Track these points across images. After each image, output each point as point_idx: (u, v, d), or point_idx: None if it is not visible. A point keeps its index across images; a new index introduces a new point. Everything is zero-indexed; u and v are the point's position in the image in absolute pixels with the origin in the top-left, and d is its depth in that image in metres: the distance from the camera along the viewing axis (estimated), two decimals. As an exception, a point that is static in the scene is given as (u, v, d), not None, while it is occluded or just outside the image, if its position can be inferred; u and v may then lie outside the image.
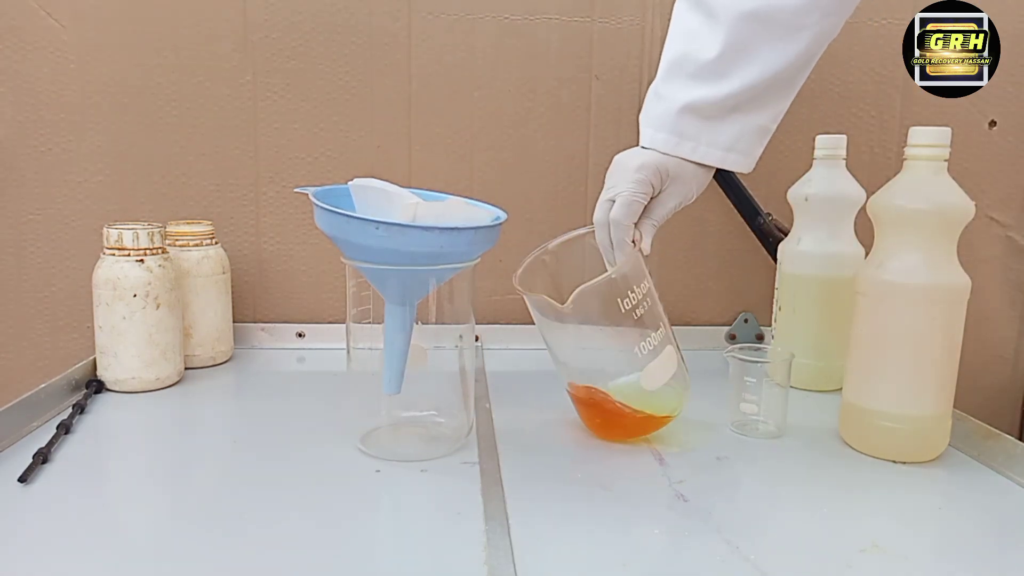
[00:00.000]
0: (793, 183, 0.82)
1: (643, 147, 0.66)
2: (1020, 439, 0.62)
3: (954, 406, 0.64)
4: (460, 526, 0.51)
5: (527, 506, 0.54)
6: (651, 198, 0.65)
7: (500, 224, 0.59)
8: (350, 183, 0.61)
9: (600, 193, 0.66)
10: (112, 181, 0.93)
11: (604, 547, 0.49)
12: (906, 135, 0.62)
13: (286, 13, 0.92)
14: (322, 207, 0.56)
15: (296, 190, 0.73)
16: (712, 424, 0.71)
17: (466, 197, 0.61)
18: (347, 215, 0.55)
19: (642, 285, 0.63)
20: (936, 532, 0.54)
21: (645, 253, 0.64)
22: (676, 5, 0.67)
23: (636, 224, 0.64)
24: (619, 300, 0.61)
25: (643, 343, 0.62)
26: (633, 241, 0.63)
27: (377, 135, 0.95)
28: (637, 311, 0.62)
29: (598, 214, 0.65)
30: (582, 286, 0.60)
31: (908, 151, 0.62)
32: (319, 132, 0.95)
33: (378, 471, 0.59)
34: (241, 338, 0.95)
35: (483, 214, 0.60)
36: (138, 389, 0.77)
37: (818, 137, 0.81)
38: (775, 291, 0.85)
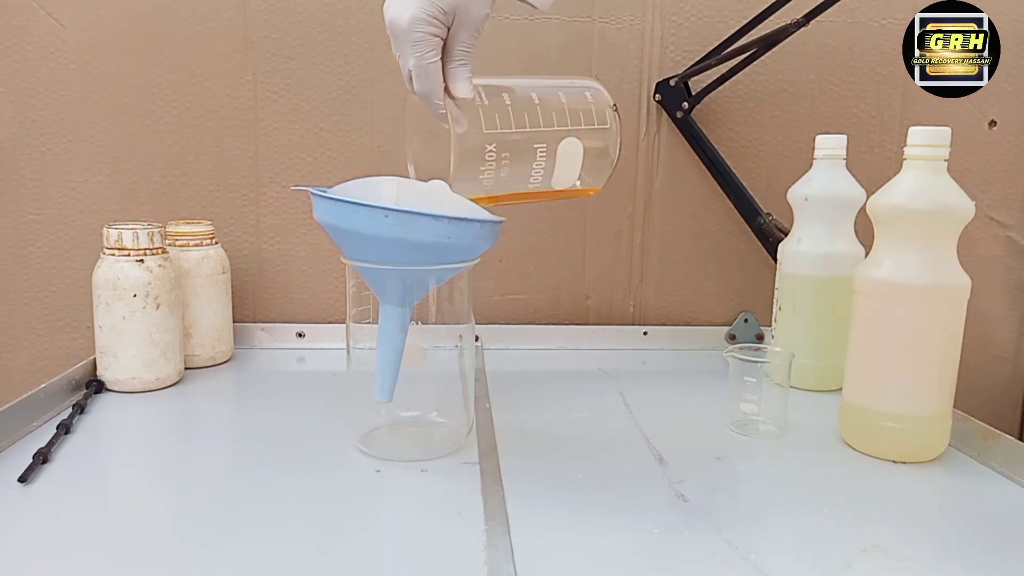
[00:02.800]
0: (793, 183, 0.82)
1: None
2: (1020, 439, 0.62)
3: (954, 406, 0.64)
4: (460, 526, 0.51)
5: (527, 506, 0.54)
6: (444, 40, 0.58)
7: (501, 223, 0.59)
8: (313, 191, 0.58)
9: None
10: (112, 181, 0.93)
11: (604, 547, 0.49)
12: (906, 135, 0.62)
13: (286, 13, 0.92)
14: (328, 197, 0.55)
15: (293, 187, 0.73)
16: (712, 424, 0.71)
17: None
18: (355, 203, 0.54)
19: (489, 148, 0.59)
20: (936, 532, 0.54)
21: (465, 95, 0.58)
22: None
23: (444, 76, 0.58)
24: (480, 177, 0.60)
25: (533, 173, 0.62)
26: (452, 97, 0.58)
27: (377, 135, 0.95)
28: (501, 173, 0.60)
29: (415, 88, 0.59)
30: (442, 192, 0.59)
31: (908, 151, 0.62)
32: (319, 132, 0.95)
33: (378, 471, 0.59)
34: (241, 338, 0.95)
35: (468, 203, 0.59)
36: (138, 389, 0.77)
37: (818, 137, 0.81)
38: (775, 291, 0.85)
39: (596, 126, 0.64)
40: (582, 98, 0.65)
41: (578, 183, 0.65)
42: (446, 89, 0.59)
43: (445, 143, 0.61)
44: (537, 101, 0.62)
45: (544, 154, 0.62)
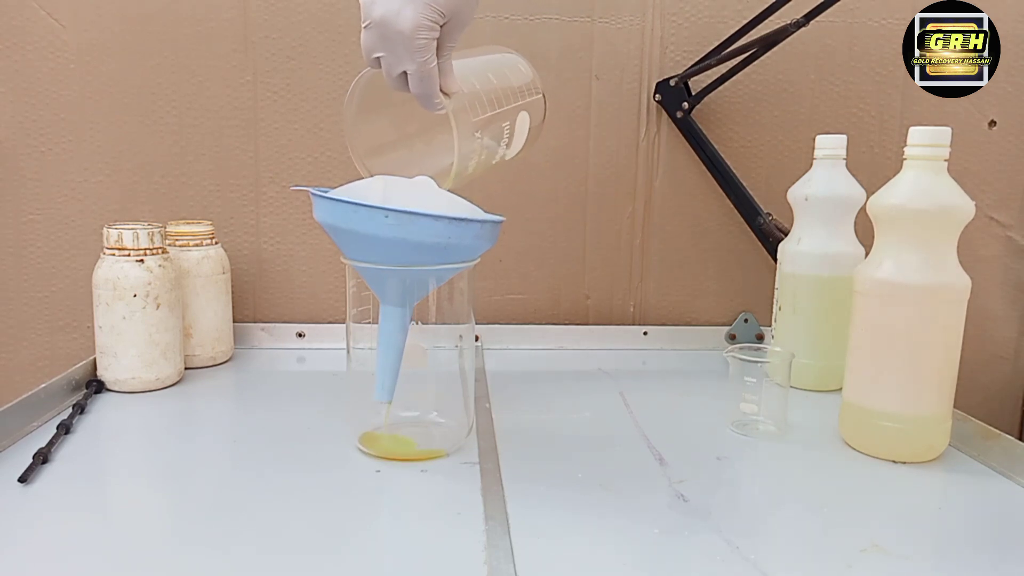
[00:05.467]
0: (793, 183, 0.82)
1: None
2: (1020, 439, 0.62)
3: (954, 406, 0.64)
4: (460, 526, 0.51)
5: (527, 506, 0.54)
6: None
7: (501, 222, 0.59)
8: (313, 191, 0.58)
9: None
10: (112, 181, 0.93)
11: (604, 547, 0.49)
12: (906, 135, 0.62)
13: (286, 13, 0.92)
14: (328, 198, 0.55)
15: (293, 187, 0.73)
16: (712, 424, 0.71)
17: (463, 197, 0.61)
18: (355, 203, 0.54)
19: (477, 135, 0.61)
20: (936, 532, 0.54)
21: (457, 89, 0.59)
22: None
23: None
24: (469, 163, 0.62)
25: (499, 150, 0.66)
26: (444, 93, 0.59)
27: (377, 135, 0.95)
28: (484, 152, 0.63)
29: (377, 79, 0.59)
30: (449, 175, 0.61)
31: (908, 151, 0.62)
32: (319, 132, 0.95)
33: (378, 471, 0.59)
34: (241, 338, 0.95)
35: (456, 198, 0.59)
36: (138, 389, 0.77)
37: (818, 137, 0.81)
38: (775, 291, 0.85)
39: (534, 97, 0.69)
40: (518, 71, 0.69)
41: (520, 151, 0.70)
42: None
43: (406, 139, 0.65)
44: (495, 82, 0.65)
45: (508, 130, 0.65)
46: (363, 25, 0.57)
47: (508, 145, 0.66)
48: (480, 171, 0.65)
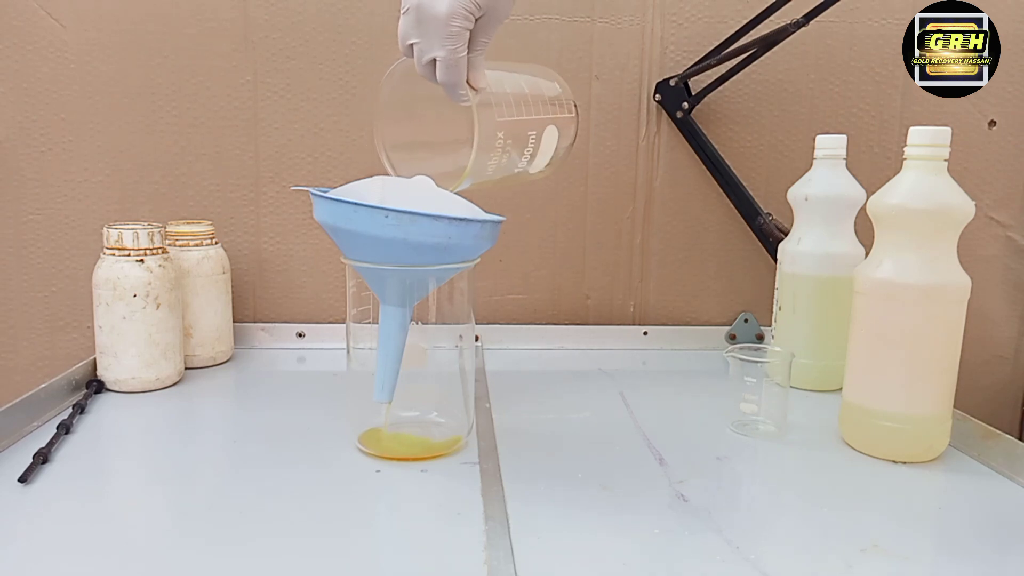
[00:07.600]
0: (793, 183, 0.82)
1: None
2: (1020, 439, 0.62)
3: (954, 406, 0.64)
4: (460, 526, 0.51)
5: (527, 506, 0.54)
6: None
7: (501, 222, 0.59)
8: (313, 191, 0.58)
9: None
10: (112, 181, 0.93)
11: (604, 547, 0.49)
12: (906, 135, 0.62)
13: (286, 13, 0.92)
14: (328, 198, 0.55)
15: (293, 188, 0.73)
16: (712, 424, 0.71)
17: (464, 197, 0.61)
18: (355, 203, 0.54)
19: (499, 136, 0.61)
20: (936, 532, 0.54)
21: (485, 85, 0.60)
22: None
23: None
24: (487, 163, 0.62)
25: (521, 159, 0.65)
26: (471, 86, 0.59)
27: (377, 135, 0.95)
28: (505, 156, 0.63)
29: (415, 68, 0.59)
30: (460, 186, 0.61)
31: (908, 151, 0.62)
32: (319, 132, 0.95)
33: (378, 471, 0.59)
34: (241, 338, 0.95)
35: (455, 197, 0.59)
36: (138, 389, 0.77)
37: (818, 137, 0.81)
38: (775, 291, 0.85)
39: (566, 115, 0.69)
40: (554, 87, 0.69)
41: (546, 169, 0.70)
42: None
43: (430, 134, 0.65)
44: (527, 90, 0.65)
45: (534, 141, 0.65)
46: (401, 12, 0.58)
47: (532, 157, 0.66)
48: (499, 177, 0.65)
